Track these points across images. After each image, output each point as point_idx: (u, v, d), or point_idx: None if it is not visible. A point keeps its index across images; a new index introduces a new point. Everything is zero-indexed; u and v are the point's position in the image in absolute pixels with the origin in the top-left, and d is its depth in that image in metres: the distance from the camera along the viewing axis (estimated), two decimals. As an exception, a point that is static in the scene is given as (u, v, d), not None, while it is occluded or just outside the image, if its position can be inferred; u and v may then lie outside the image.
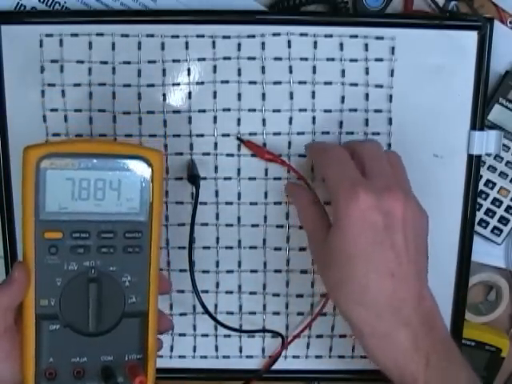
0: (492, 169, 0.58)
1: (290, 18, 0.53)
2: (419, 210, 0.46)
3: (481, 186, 0.57)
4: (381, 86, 0.53)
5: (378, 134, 0.54)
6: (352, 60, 0.53)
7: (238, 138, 0.53)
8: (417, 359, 0.43)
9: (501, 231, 0.59)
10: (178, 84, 0.53)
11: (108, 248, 0.42)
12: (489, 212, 0.58)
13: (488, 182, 0.58)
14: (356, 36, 0.52)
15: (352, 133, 0.54)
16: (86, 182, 0.42)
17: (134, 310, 0.43)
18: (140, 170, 0.42)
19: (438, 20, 0.53)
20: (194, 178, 0.51)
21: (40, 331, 0.42)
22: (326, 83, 0.53)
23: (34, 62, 0.52)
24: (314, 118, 0.53)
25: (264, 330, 0.56)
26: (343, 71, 0.53)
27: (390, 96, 0.53)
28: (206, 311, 0.51)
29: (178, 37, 0.52)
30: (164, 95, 0.53)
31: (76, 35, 0.52)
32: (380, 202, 0.44)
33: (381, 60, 0.53)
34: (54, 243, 0.42)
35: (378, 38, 0.52)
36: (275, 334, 0.55)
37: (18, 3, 0.54)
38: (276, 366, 0.57)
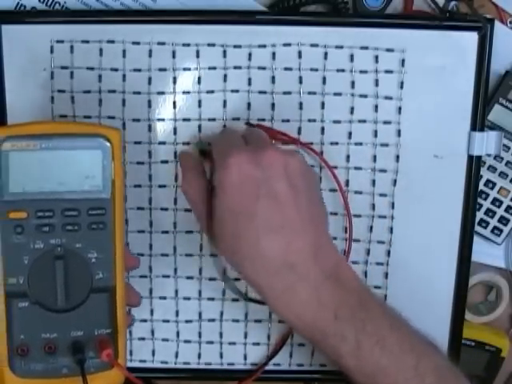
0: (492, 169, 0.58)
1: (290, 18, 0.53)
2: (307, 165, 0.46)
3: (481, 186, 0.57)
4: (390, 98, 0.53)
5: (387, 145, 0.54)
6: (362, 71, 0.53)
7: (248, 123, 0.53)
8: (323, 314, 0.43)
9: (501, 231, 0.59)
10: (189, 92, 0.53)
11: (73, 226, 0.43)
12: (489, 212, 0.58)
13: (488, 182, 0.58)
14: (366, 47, 0.52)
15: (361, 144, 0.54)
16: (47, 162, 0.42)
17: (102, 285, 0.44)
18: (100, 148, 0.43)
19: (438, 20, 0.53)
20: (206, 153, 0.51)
21: (10, 309, 0.43)
22: (335, 94, 0.53)
23: (35, 61, 0.52)
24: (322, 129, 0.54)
25: None
26: (353, 82, 0.53)
27: (400, 108, 0.53)
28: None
29: (189, 45, 0.52)
30: (174, 103, 0.53)
31: (87, 42, 0.52)
32: (257, 157, 0.43)
33: (391, 72, 0.53)
34: (19, 223, 0.42)
35: (388, 49, 0.53)
36: None
37: (18, 3, 0.53)
38: (276, 367, 0.57)
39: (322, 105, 0.53)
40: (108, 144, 0.43)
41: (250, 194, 0.43)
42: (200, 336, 0.57)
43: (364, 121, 0.53)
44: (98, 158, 0.43)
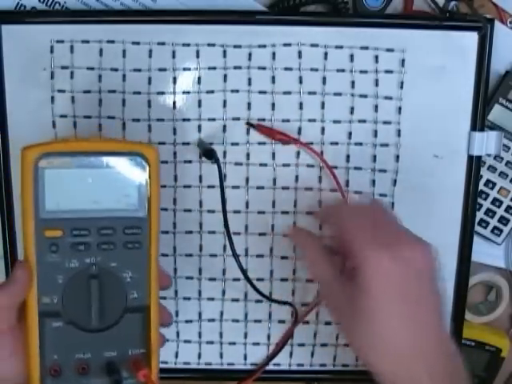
0: (492, 169, 0.58)
1: (290, 18, 0.53)
2: (430, 253, 0.45)
3: (481, 186, 0.57)
4: (390, 98, 0.53)
5: (387, 145, 0.54)
6: (362, 71, 0.53)
7: (248, 123, 0.53)
8: None
9: (501, 231, 0.59)
10: (189, 92, 0.53)
11: (108, 244, 0.42)
12: (489, 212, 0.58)
13: (488, 182, 0.58)
14: (366, 47, 0.52)
15: (361, 144, 0.54)
16: (84, 180, 0.42)
17: (136, 305, 0.43)
18: (137, 166, 0.42)
19: (438, 20, 0.53)
20: (210, 152, 0.51)
21: (43, 329, 0.42)
22: (335, 94, 0.53)
23: (35, 61, 0.52)
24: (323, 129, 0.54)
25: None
26: (353, 82, 0.53)
27: (400, 108, 0.53)
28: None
29: (189, 45, 0.52)
30: (174, 103, 0.53)
31: (87, 42, 0.52)
32: (399, 255, 0.43)
33: (391, 72, 0.53)
34: (54, 241, 0.41)
35: (388, 49, 0.53)
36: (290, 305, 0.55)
37: (18, 3, 0.54)
38: (276, 367, 0.57)
39: (322, 105, 0.53)
40: (144, 162, 0.42)
41: (394, 294, 0.43)
42: (200, 336, 0.57)
43: (364, 121, 0.53)
44: (135, 176, 0.42)
